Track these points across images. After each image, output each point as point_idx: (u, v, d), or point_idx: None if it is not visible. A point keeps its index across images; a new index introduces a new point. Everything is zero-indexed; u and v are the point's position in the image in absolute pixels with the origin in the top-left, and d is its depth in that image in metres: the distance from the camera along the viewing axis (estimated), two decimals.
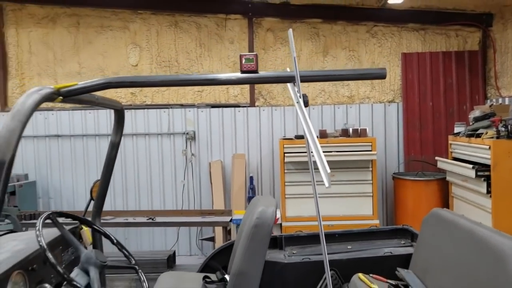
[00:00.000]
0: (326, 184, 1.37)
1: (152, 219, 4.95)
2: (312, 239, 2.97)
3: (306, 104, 1.59)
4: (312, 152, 1.58)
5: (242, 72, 1.69)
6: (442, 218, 2.36)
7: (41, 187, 6.22)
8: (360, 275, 2.52)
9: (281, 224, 5.47)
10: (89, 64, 6.32)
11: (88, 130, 6.21)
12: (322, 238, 1.72)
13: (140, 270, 2.14)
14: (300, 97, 1.59)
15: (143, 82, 1.83)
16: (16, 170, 5.97)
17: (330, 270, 2.58)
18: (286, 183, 5.51)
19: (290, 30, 1.62)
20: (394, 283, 2.42)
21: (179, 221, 5.12)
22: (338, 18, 6.18)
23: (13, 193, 5.50)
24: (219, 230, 5.44)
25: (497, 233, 1.96)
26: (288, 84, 1.75)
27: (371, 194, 5.45)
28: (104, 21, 6.24)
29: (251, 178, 5.75)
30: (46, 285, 1.97)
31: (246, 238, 2.32)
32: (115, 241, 2.27)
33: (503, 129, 4.40)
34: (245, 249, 2.29)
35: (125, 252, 2.21)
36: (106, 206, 6.01)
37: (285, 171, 5.50)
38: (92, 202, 2.71)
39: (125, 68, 6.25)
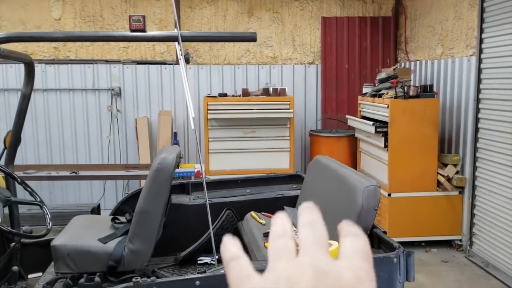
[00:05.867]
0: (192, 127, 1.66)
1: (76, 173, 5.08)
2: (216, 184, 3.30)
3: (187, 61, 1.85)
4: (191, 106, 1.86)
5: (132, 31, 1.91)
6: (320, 163, 2.76)
7: None
8: (253, 213, 2.90)
9: (204, 177, 5.79)
10: (10, 17, 6.14)
11: (9, 85, 6.11)
12: (204, 186, 2.04)
13: (44, 207, 2.37)
14: (182, 55, 1.85)
15: (41, 37, 2.01)
16: None
17: (228, 210, 2.93)
18: (209, 139, 5.81)
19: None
20: None
21: (103, 174, 5.29)
22: None
23: None
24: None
25: (353, 172, 2.37)
26: (175, 43, 1.99)
27: (289, 149, 5.88)
28: None
29: (175, 133, 5.98)
30: None
31: (149, 181, 2.60)
32: (19, 180, 2.47)
33: (400, 90, 4.90)
34: (148, 190, 2.58)
35: (29, 189, 2.42)
36: (30, 160, 6.03)
37: (209, 127, 5.79)
38: (5, 151, 2.86)
39: (47, 22, 6.15)
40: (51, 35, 1.96)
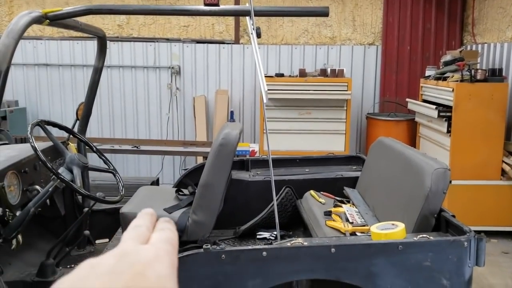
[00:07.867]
0: (265, 100, 1.67)
1: (137, 147, 5.28)
2: (275, 162, 3.32)
3: (259, 35, 1.86)
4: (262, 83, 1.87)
5: (205, 5, 1.93)
6: (383, 144, 2.71)
7: (31, 113, 6.49)
8: (312, 192, 2.90)
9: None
10: None
11: (76, 60, 6.39)
12: (270, 164, 2.06)
13: (117, 174, 2.49)
14: (254, 29, 1.85)
15: (119, 10, 2.08)
16: (7, 96, 6.20)
17: (287, 187, 2.95)
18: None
19: None
20: (339, 199, 2.81)
21: (162, 149, 5.45)
22: None
23: (4, 118, 5.78)
24: (200, 161, 5.80)
25: (420, 154, 2.31)
26: (247, 18, 2.00)
27: (344, 132, 5.80)
28: None
29: (232, 112, 6.05)
30: (36, 186, 2.32)
31: (212, 155, 2.66)
32: (95, 149, 2.60)
33: (467, 73, 4.69)
34: (212, 164, 2.64)
35: (104, 158, 2.54)
36: (93, 134, 6.30)
37: (265, 107, 5.80)
38: (78, 122, 3.01)
39: None
40: (129, 8, 2.02)
